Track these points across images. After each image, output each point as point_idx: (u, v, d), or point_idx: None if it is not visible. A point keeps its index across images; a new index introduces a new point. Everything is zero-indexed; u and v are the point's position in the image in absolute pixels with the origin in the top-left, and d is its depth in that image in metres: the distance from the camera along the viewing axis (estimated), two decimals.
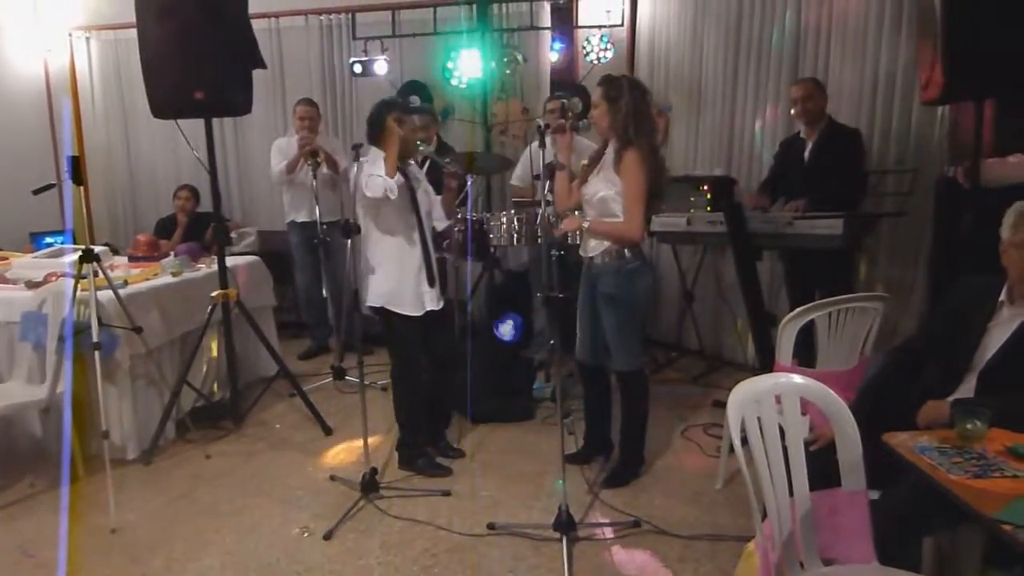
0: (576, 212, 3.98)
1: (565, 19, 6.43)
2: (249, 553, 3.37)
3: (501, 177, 6.59)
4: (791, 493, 2.24)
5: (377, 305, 4.01)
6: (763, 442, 2.20)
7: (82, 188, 3.84)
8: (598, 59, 6.13)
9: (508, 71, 6.30)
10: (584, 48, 6.18)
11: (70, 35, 7.39)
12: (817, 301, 3.78)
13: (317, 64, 6.99)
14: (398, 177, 3.80)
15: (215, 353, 4.94)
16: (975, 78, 3.31)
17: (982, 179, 3.64)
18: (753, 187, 5.36)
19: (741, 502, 3.64)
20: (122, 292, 4.17)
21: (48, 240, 6.42)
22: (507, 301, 6.04)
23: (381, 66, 6.40)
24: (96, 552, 3.39)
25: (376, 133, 3.94)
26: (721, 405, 4.83)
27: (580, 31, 6.37)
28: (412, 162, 4.15)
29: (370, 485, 3.77)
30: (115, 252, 5.58)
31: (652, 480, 4.00)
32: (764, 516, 2.22)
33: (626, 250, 3.67)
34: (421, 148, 4.21)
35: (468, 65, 6.12)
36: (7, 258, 5.16)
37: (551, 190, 3.83)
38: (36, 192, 4.18)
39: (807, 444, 2.31)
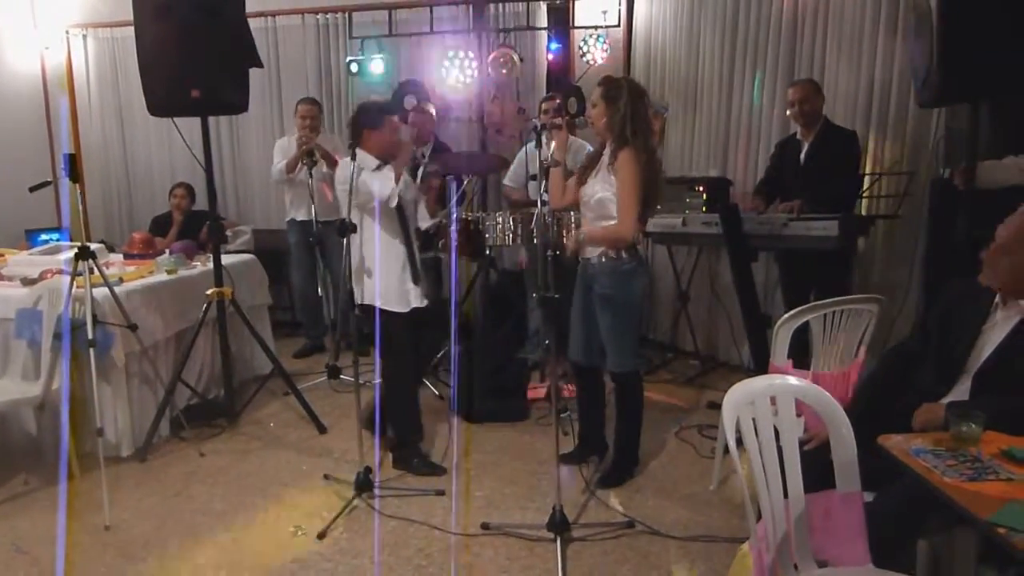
0: (571, 213, 3.99)
1: (561, 19, 6.42)
2: (242, 551, 3.37)
3: (497, 177, 6.58)
4: (786, 495, 2.24)
5: (365, 303, 4.04)
6: (758, 443, 2.21)
7: (78, 185, 3.84)
8: (594, 59, 6.14)
9: (504, 71, 6.29)
10: (580, 48, 6.19)
11: (67, 33, 7.38)
12: (812, 303, 3.79)
13: (314, 63, 6.98)
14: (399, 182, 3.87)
15: (210, 351, 4.93)
16: (971, 79, 3.32)
17: (977, 181, 3.65)
18: (749, 188, 5.38)
19: (735, 504, 3.64)
20: (117, 290, 4.16)
21: (43, 237, 6.41)
22: (502, 301, 6.05)
23: (377, 65, 6.40)
24: (90, 549, 3.38)
25: (358, 135, 4.03)
26: (715, 406, 4.84)
27: (576, 31, 6.38)
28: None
29: (364, 484, 3.77)
30: (110, 249, 5.58)
31: (646, 481, 4.00)
32: (759, 517, 2.22)
33: (622, 251, 3.68)
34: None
35: (464, 65, 6.11)
36: (3, 255, 5.15)
37: (547, 190, 3.83)
38: (32, 189, 4.17)
39: (801, 444, 2.32)
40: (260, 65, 4.67)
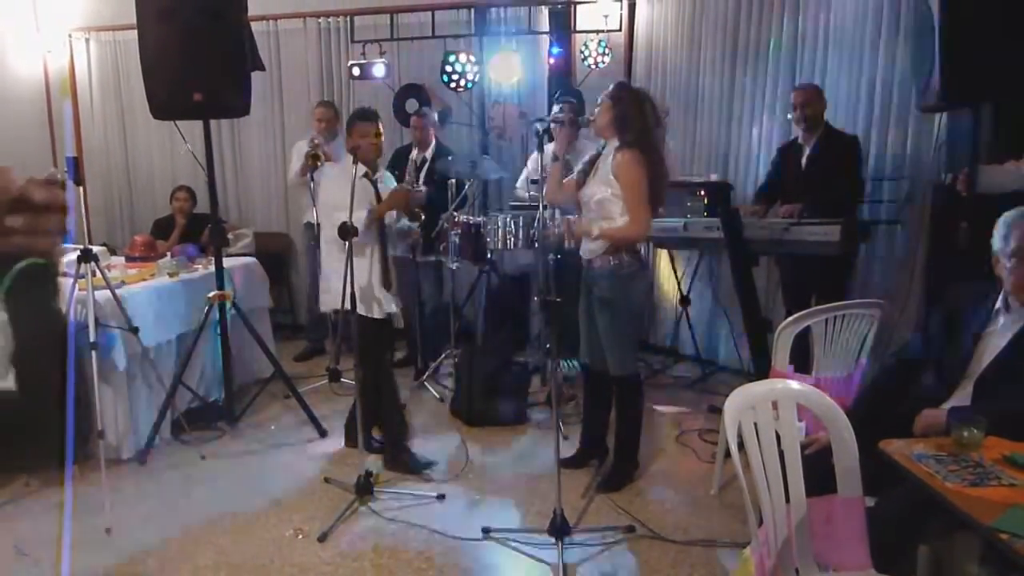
0: (574, 215, 3.99)
1: (563, 24, 6.43)
2: (243, 554, 3.37)
3: (499, 180, 6.59)
4: (787, 499, 2.24)
5: (338, 308, 4.05)
6: (759, 448, 2.21)
7: (80, 188, 3.84)
8: (595, 64, 6.14)
9: (505, 75, 6.30)
10: (582, 53, 6.19)
11: (69, 36, 7.38)
12: (813, 307, 3.79)
13: (315, 67, 6.98)
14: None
15: (211, 354, 4.93)
16: (972, 84, 3.33)
17: (978, 186, 3.65)
18: (750, 193, 5.38)
19: (736, 508, 3.65)
20: (119, 292, 4.16)
21: None
22: (504, 305, 6.06)
23: (379, 69, 6.41)
24: (90, 551, 3.38)
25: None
26: (716, 410, 4.84)
27: (578, 36, 6.38)
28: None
29: (365, 487, 3.77)
30: (112, 252, 5.57)
31: (647, 485, 4.00)
32: (760, 522, 2.22)
33: (624, 253, 3.68)
34: None
35: (466, 69, 6.13)
36: None
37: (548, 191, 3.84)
38: None
39: (802, 448, 2.32)
40: (262, 68, 4.69)
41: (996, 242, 2.56)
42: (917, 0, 3.75)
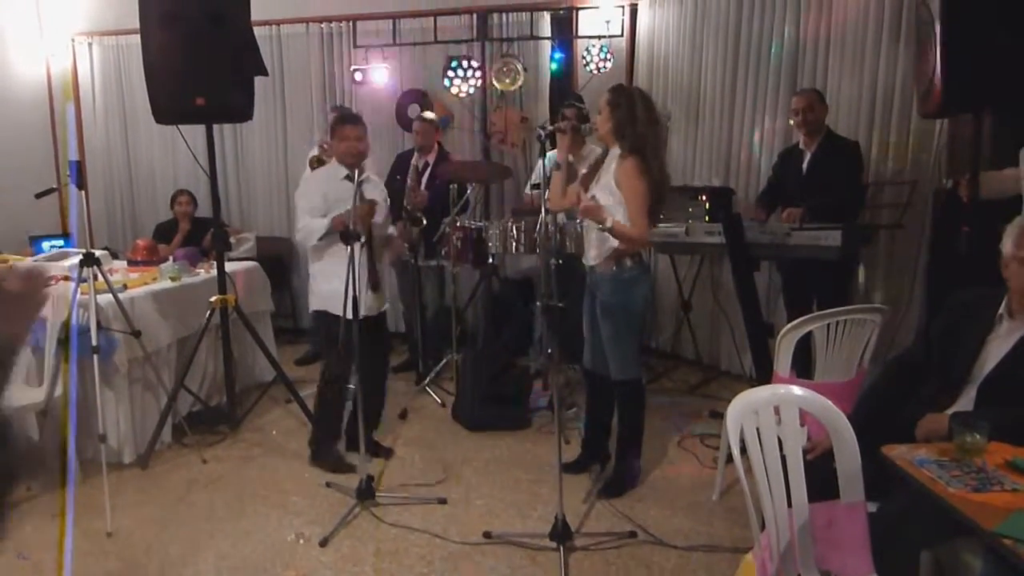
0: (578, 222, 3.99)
1: (565, 29, 6.43)
2: (244, 558, 3.37)
3: (500, 185, 6.60)
4: (789, 504, 2.24)
5: (319, 309, 4.15)
6: (762, 452, 2.21)
7: (83, 192, 3.86)
8: (597, 69, 6.14)
9: (507, 80, 6.31)
10: (584, 58, 6.19)
11: (72, 40, 7.40)
12: (815, 312, 3.79)
13: (318, 72, 6.98)
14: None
15: (212, 358, 4.93)
16: (974, 89, 3.33)
17: (980, 191, 3.66)
18: (751, 198, 5.38)
19: (737, 513, 3.65)
20: (121, 296, 4.16)
21: (47, 244, 6.42)
22: (505, 309, 6.06)
23: (381, 74, 6.42)
24: (92, 556, 3.39)
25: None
26: (718, 415, 4.84)
27: (580, 41, 6.38)
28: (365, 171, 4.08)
29: (366, 492, 3.77)
30: (114, 256, 5.58)
31: (648, 490, 4.00)
32: (762, 527, 2.22)
33: (627, 259, 3.68)
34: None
35: (467, 74, 6.14)
36: (7, 261, 5.15)
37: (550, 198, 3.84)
38: (39, 196, 4.19)
39: (804, 452, 2.32)
40: (265, 73, 4.69)
41: (1006, 246, 2.55)
42: (918, 5, 3.76)
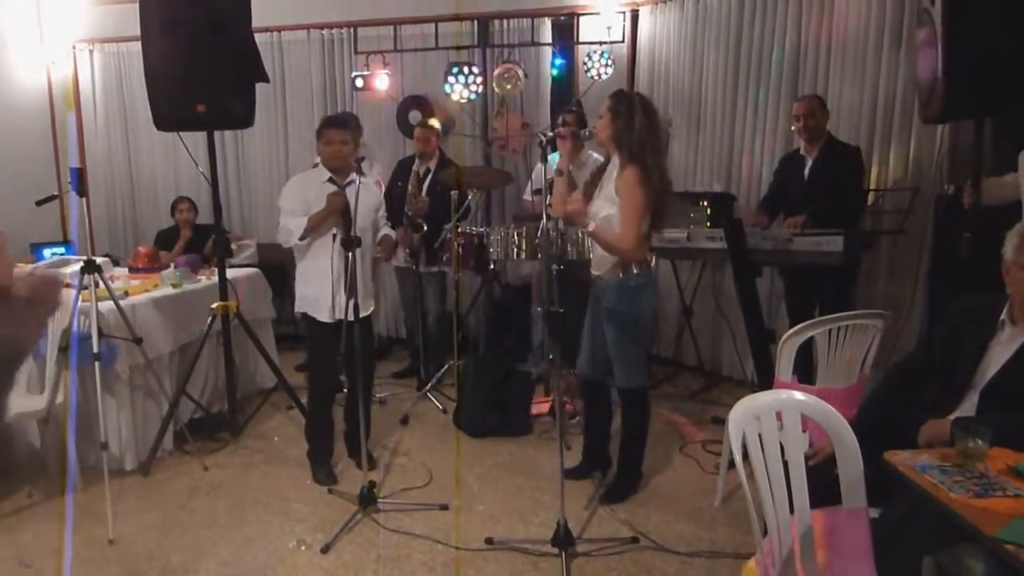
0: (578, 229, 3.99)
1: (566, 35, 6.44)
2: (246, 565, 3.36)
3: (501, 191, 6.60)
4: (791, 510, 2.24)
5: (302, 311, 4.16)
6: (764, 458, 2.20)
7: (84, 199, 3.86)
8: (598, 75, 6.15)
9: (508, 86, 6.32)
10: (585, 64, 6.20)
11: (73, 47, 7.42)
12: (817, 318, 3.79)
13: (319, 78, 7.00)
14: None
15: (214, 365, 4.93)
16: (976, 95, 3.33)
17: (981, 197, 3.66)
18: (752, 203, 5.38)
19: (740, 519, 3.64)
20: (122, 303, 4.16)
21: (49, 251, 6.43)
22: (507, 315, 6.06)
23: (382, 80, 6.43)
24: (93, 563, 3.38)
25: None
26: (719, 421, 4.84)
27: (581, 47, 6.39)
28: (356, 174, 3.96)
29: (368, 498, 3.76)
30: (115, 263, 5.58)
31: (650, 496, 3.99)
32: (764, 533, 2.22)
33: (632, 267, 3.66)
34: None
35: (468, 80, 6.15)
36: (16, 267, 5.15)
37: (551, 204, 3.83)
38: (40, 203, 4.19)
39: (806, 458, 2.32)
40: (266, 80, 4.70)
41: (1008, 252, 2.54)
42: (920, 11, 3.77)
